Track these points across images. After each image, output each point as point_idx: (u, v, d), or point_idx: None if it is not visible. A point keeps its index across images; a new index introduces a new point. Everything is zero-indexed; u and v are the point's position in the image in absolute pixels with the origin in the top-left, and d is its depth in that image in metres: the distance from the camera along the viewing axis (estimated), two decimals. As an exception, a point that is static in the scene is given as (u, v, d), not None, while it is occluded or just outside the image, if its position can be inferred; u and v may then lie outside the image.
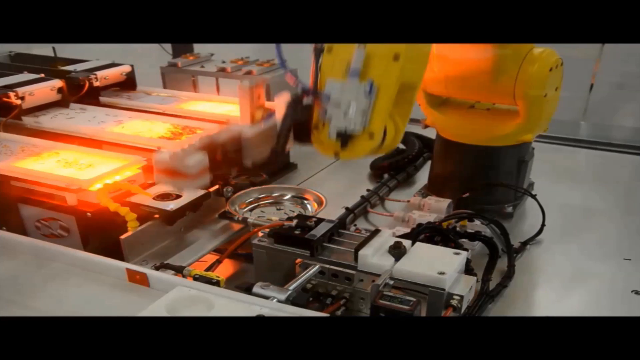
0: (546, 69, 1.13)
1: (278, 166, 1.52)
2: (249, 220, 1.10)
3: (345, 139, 0.89)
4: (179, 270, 0.93)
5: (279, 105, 0.95)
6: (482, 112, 1.29)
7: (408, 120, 0.98)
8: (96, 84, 1.57)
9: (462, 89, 1.25)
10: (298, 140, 0.96)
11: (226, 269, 1.09)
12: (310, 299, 0.93)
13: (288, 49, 0.95)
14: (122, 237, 1.01)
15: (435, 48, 1.22)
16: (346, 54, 0.88)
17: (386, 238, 0.92)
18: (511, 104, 1.20)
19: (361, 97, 0.86)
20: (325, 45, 0.90)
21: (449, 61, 1.21)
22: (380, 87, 0.87)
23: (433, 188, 1.36)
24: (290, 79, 0.92)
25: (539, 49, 1.15)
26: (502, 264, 1.06)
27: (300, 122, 0.93)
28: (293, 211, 1.18)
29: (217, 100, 1.62)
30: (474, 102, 1.32)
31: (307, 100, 0.92)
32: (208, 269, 0.97)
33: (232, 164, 1.03)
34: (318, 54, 0.90)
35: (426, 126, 1.35)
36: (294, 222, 0.97)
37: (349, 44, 0.87)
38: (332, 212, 1.21)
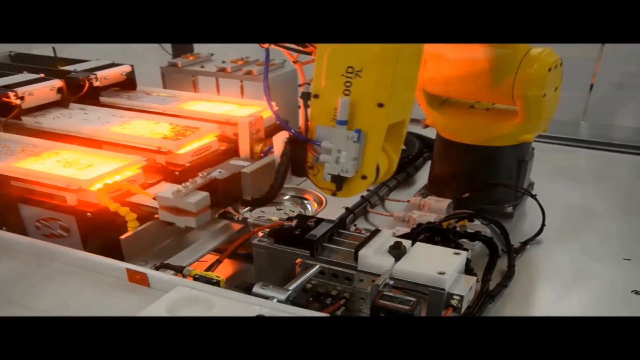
0: (545, 69, 1.13)
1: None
2: (249, 220, 1.10)
3: (339, 182, 0.92)
4: (179, 270, 0.93)
5: (277, 142, 0.97)
6: (481, 112, 1.29)
7: (401, 148, 1.00)
8: (96, 84, 1.57)
9: (461, 89, 1.25)
10: (296, 174, 0.99)
11: (226, 269, 1.09)
12: (310, 299, 0.93)
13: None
14: (122, 237, 1.01)
15: (434, 48, 1.22)
16: (332, 101, 0.89)
17: (386, 238, 0.92)
18: (510, 104, 1.20)
19: (350, 145, 0.88)
20: (312, 92, 0.91)
21: (448, 61, 1.20)
22: (367, 133, 0.89)
23: (433, 188, 1.36)
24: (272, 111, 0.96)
25: (537, 49, 1.15)
26: (502, 264, 1.06)
27: (299, 159, 0.95)
28: (293, 211, 1.18)
29: (217, 100, 1.62)
30: (473, 102, 1.32)
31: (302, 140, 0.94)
32: (208, 269, 0.97)
33: (232, 200, 1.07)
34: (306, 99, 0.92)
35: (426, 126, 1.35)
36: (294, 222, 0.97)
37: (335, 91, 0.88)
38: (332, 212, 1.21)
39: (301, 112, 0.92)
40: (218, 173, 1.04)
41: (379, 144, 0.90)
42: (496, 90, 1.18)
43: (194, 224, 1.00)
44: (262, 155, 1.16)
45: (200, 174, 1.04)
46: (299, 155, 0.94)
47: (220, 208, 1.07)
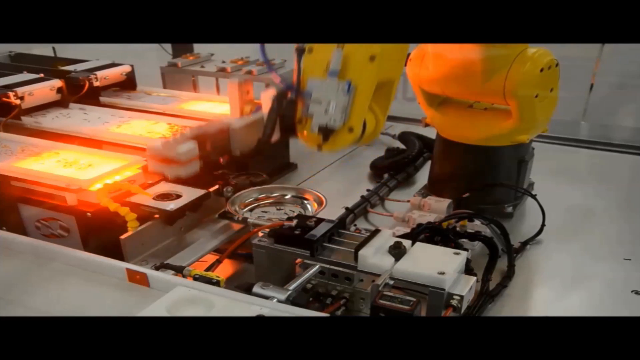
0: (537, 69, 1.13)
1: (278, 166, 1.52)
2: (249, 220, 1.10)
3: (326, 133, 0.95)
4: (179, 270, 0.93)
5: (266, 99, 1.00)
6: (479, 111, 1.29)
7: (388, 112, 1.04)
8: (96, 84, 1.57)
9: (456, 88, 1.25)
10: (283, 133, 1.01)
11: (226, 269, 1.09)
12: (310, 299, 0.93)
13: (286, 48, 0.97)
14: (122, 237, 1.01)
15: (430, 46, 1.22)
16: (326, 55, 0.92)
17: (386, 238, 0.92)
18: (503, 103, 1.20)
19: (340, 95, 0.92)
20: (306, 46, 0.95)
21: (444, 60, 1.20)
22: (357, 85, 0.92)
23: (433, 188, 1.36)
24: (275, 78, 0.99)
25: (532, 49, 1.15)
26: (502, 264, 1.06)
27: (286, 116, 0.98)
28: (293, 211, 1.18)
29: (217, 100, 1.62)
30: (472, 102, 1.32)
31: (292, 95, 0.97)
32: (208, 269, 0.97)
33: (221, 153, 1.09)
34: (300, 54, 0.95)
35: (427, 124, 1.35)
36: (294, 222, 0.97)
37: (328, 44, 0.91)
38: (332, 212, 1.21)
39: (295, 66, 0.96)
40: (207, 127, 1.07)
41: (367, 97, 0.94)
42: (489, 89, 1.17)
43: (182, 173, 1.01)
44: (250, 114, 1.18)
45: (189, 128, 1.06)
46: (288, 111, 0.98)
47: (208, 161, 1.09)
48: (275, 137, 1.01)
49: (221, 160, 1.23)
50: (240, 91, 1.16)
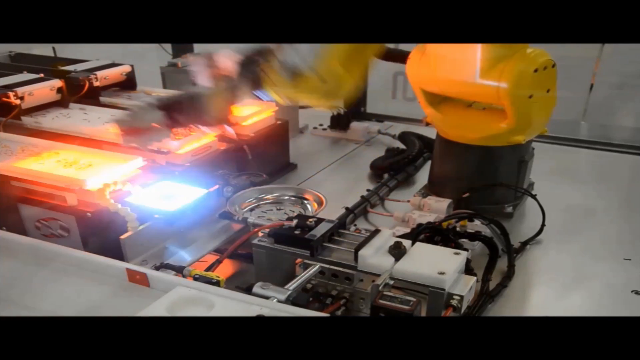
0: (530, 69, 1.12)
1: (278, 166, 1.52)
2: (249, 220, 1.10)
3: (294, 75, 0.93)
4: (179, 270, 0.93)
5: (227, 63, 1.02)
6: (477, 111, 1.29)
7: (364, 80, 1.02)
8: (96, 84, 1.57)
9: (453, 87, 1.25)
10: (252, 89, 1.00)
11: (226, 269, 1.09)
12: (310, 299, 0.93)
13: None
14: (122, 237, 1.01)
15: (431, 47, 1.22)
16: None
17: (386, 238, 0.92)
18: (499, 103, 1.19)
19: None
20: None
21: (442, 59, 1.20)
22: None
23: (433, 188, 1.36)
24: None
25: (529, 49, 1.15)
26: (502, 264, 1.06)
27: (253, 74, 0.98)
28: (293, 211, 1.18)
29: (217, 100, 1.62)
30: (472, 101, 1.31)
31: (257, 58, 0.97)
32: (208, 269, 0.97)
33: (192, 121, 1.07)
34: None
35: (427, 124, 1.35)
36: (294, 222, 0.97)
37: None
38: (332, 212, 1.21)
39: None
40: (174, 96, 1.06)
41: (346, 48, 0.93)
42: (485, 89, 1.17)
43: (151, 141, 1.02)
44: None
45: (158, 97, 1.05)
46: (253, 70, 0.97)
47: (179, 127, 1.10)
48: (246, 95, 1.01)
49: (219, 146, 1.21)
50: (204, 64, 1.15)
